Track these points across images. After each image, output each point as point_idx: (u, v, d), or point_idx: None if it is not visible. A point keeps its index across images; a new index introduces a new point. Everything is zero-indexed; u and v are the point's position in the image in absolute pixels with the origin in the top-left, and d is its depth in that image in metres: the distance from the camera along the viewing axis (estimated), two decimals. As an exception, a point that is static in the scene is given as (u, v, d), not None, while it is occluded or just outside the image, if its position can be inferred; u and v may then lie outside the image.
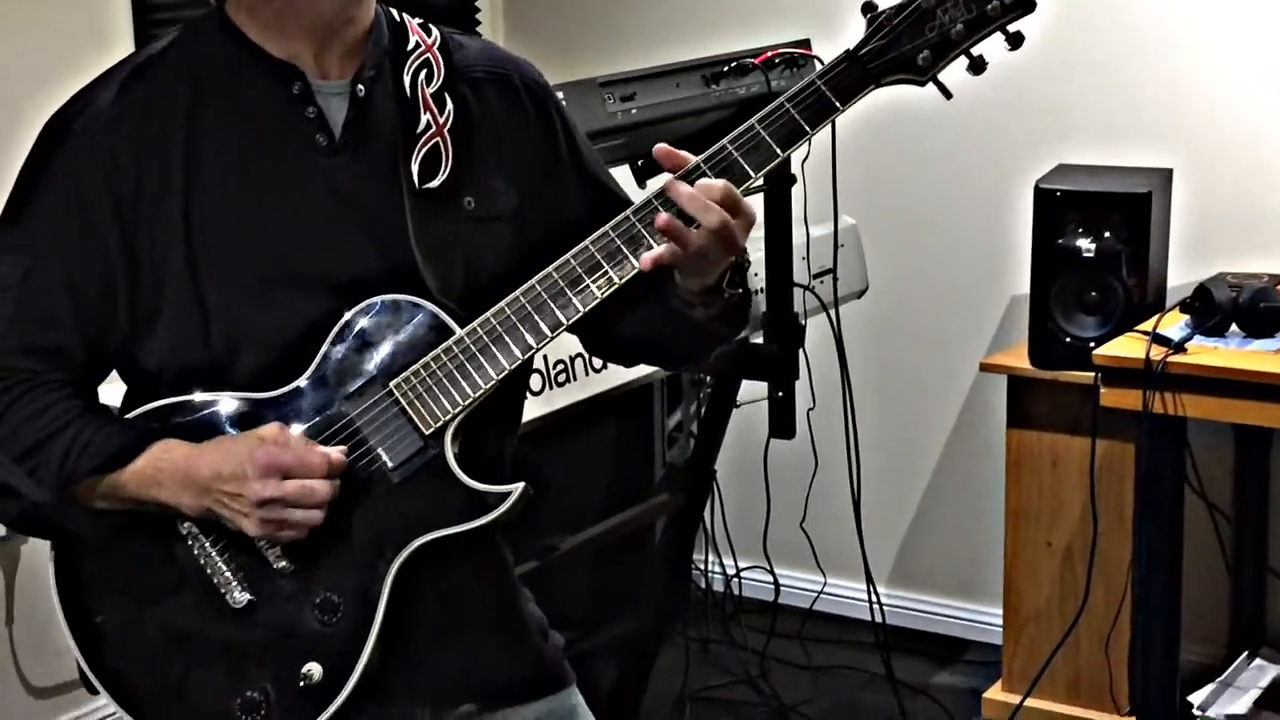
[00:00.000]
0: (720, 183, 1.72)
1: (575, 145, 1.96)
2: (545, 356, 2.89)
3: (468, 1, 4.45)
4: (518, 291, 1.77)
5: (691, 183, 1.73)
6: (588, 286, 1.76)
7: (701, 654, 4.15)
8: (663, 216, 1.72)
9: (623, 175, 3.17)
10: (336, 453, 1.76)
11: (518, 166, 1.89)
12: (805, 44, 3.31)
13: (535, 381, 2.96)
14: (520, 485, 1.79)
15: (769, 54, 3.22)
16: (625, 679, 3.58)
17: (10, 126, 3.32)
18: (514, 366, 1.78)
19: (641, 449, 3.73)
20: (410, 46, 1.87)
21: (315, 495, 1.74)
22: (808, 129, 1.75)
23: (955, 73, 1.79)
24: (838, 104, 1.75)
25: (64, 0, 3.52)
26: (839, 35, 3.67)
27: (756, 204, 3.28)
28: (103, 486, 1.77)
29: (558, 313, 1.77)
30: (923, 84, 1.77)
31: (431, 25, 1.91)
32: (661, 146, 1.76)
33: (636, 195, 3.17)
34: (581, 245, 1.77)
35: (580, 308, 1.76)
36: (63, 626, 1.85)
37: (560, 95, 1.99)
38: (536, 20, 4.54)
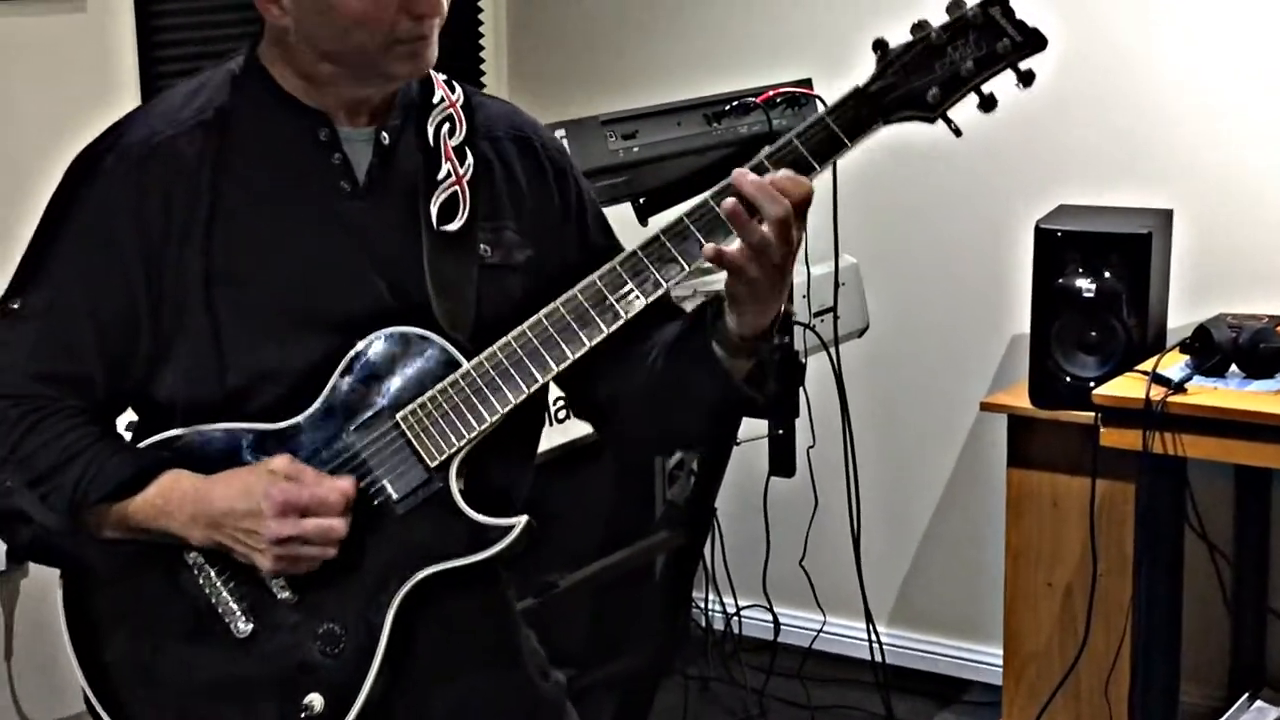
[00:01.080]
0: (789, 173, 1.70)
1: (594, 208, 1.99)
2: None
3: (471, 41, 4.47)
4: (525, 324, 1.79)
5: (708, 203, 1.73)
6: (595, 321, 1.77)
7: (701, 692, 4.14)
8: (729, 201, 1.70)
9: (624, 212, 3.19)
10: (348, 483, 1.78)
11: (534, 222, 1.92)
12: (807, 83, 3.32)
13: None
14: (523, 519, 1.80)
15: (771, 93, 3.23)
16: (624, 716, 3.57)
17: (16, 179, 3.35)
18: (519, 401, 1.79)
19: (641, 486, 3.73)
20: (436, 100, 1.91)
21: (331, 533, 1.75)
22: (815, 165, 1.74)
23: (964, 111, 1.78)
24: (846, 140, 1.74)
25: (71, 55, 3.54)
26: (841, 75, 3.68)
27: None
28: (112, 515, 1.78)
29: (564, 347, 1.78)
30: (932, 121, 1.76)
31: (455, 83, 1.95)
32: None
33: (635, 233, 3.18)
34: (589, 279, 1.77)
35: (586, 343, 1.77)
36: (70, 656, 1.85)
37: (561, 133, 2.01)
38: (539, 58, 4.56)
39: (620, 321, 1.77)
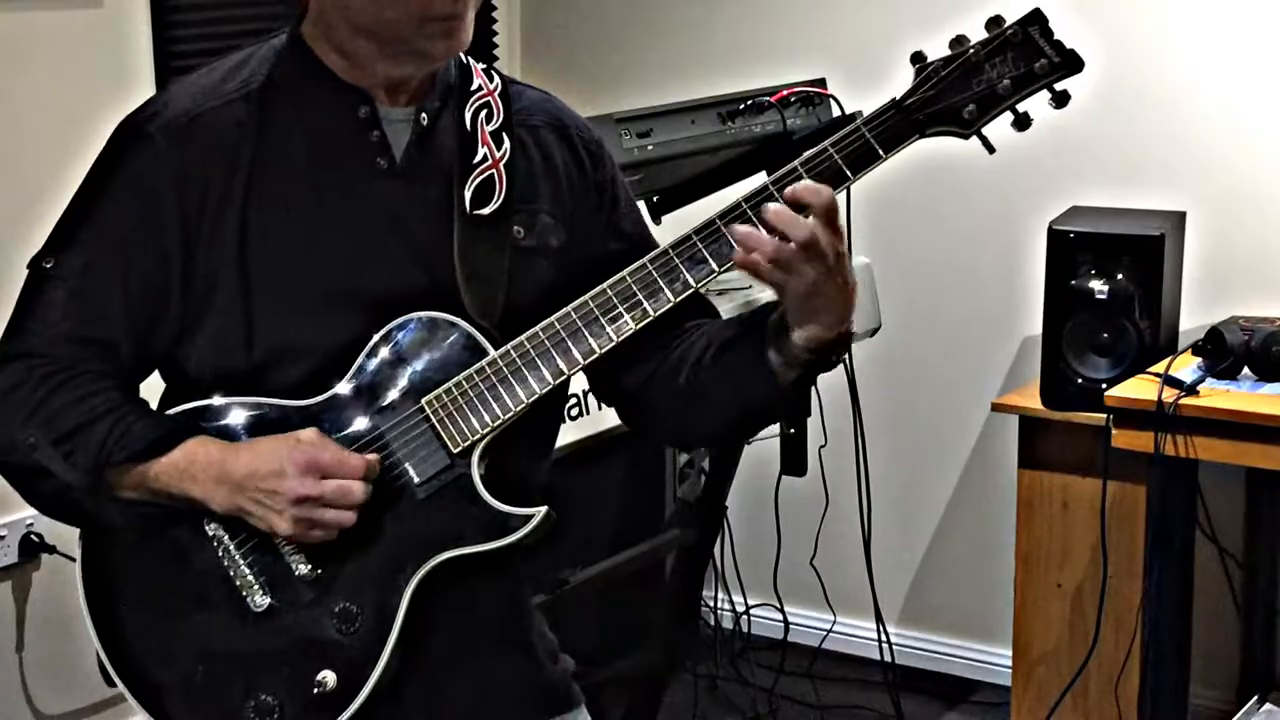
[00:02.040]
0: (819, 187, 1.71)
1: (624, 201, 1.99)
2: (558, 390, 2.89)
3: (485, 40, 4.48)
4: (553, 317, 1.80)
5: (739, 219, 1.74)
6: (623, 316, 1.78)
7: (710, 691, 4.14)
8: (743, 230, 1.72)
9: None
10: (372, 458, 1.79)
11: (568, 209, 1.93)
12: (821, 83, 3.33)
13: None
14: (543, 509, 1.81)
15: (785, 92, 3.24)
16: (633, 715, 3.57)
17: (35, 167, 3.37)
18: (545, 391, 1.80)
19: (653, 484, 3.73)
20: (474, 87, 1.92)
21: (351, 496, 1.76)
22: (850, 174, 1.75)
23: (997, 127, 1.79)
24: (881, 151, 1.75)
25: (87, 50, 3.55)
26: (855, 75, 3.70)
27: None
28: (135, 476, 1.79)
29: (591, 340, 1.79)
30: (966, 137, 1.77)
31: (494, 72, 1.96)
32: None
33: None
34: (619, 275, 1.78)
35: (614, 338, 1.78)
36: (85, 620, 1.86)
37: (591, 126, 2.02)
38: (554, 56, 4.57)
39: (649, 319, 1.78)
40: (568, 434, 3.00)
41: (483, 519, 1.80)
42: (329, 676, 1.80)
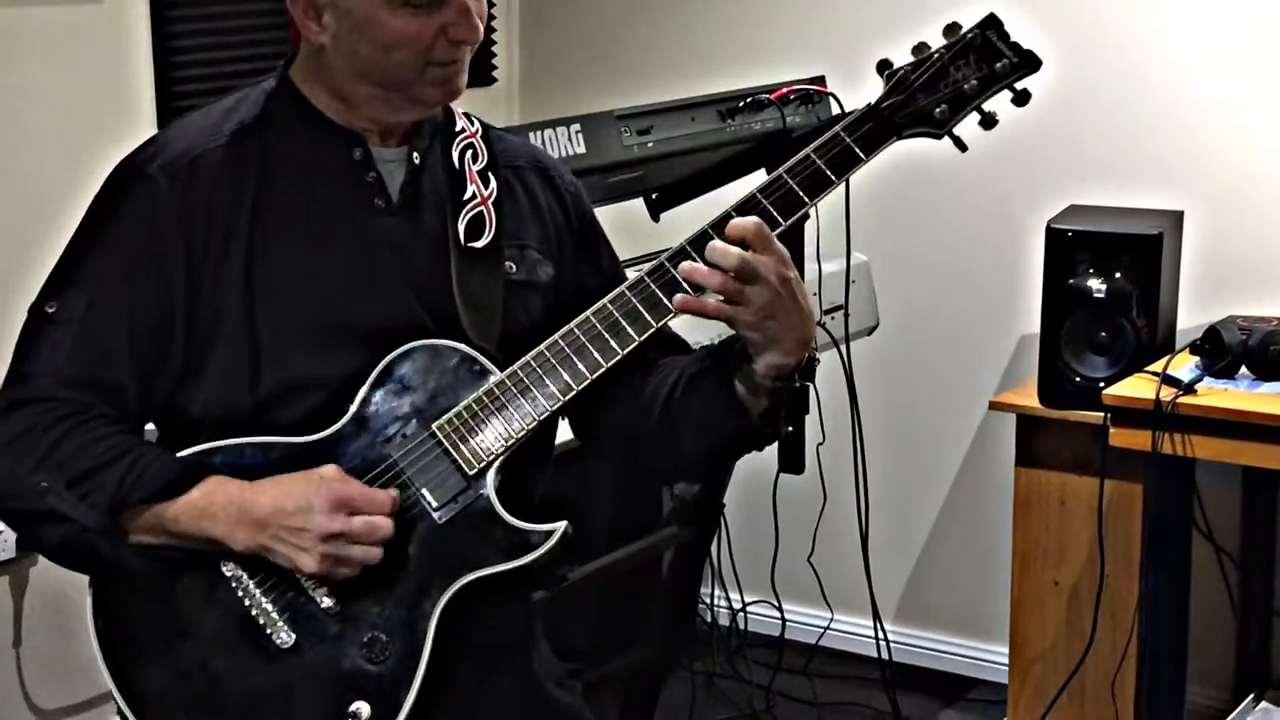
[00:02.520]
0: (750, 221, 1.77)
1: (603, 240, 2.05)
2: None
3: (484, 35, 4.47)
4: (556, 335, 1.82)
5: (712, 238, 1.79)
6: (626, 330, 1.81)
7: (707, 688, 4.14)
8: (679, 298, 1.79)
9: (635, 207, 3.20)
10: (395, 492, 1.79)
11: (554, 246, 1.97)
12: (820, 80, 3.33)
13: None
14: (563, 524, 1.82)
15: (784, 90, 3.24)
16: (630, 711, 3.57)
17: (35, 203, 3.37)
18: (555, 408, 1.82)
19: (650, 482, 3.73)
20: (458, 129, 1.97)
21: (379, 532, 1.77)
22: (834, 178, 1.82)
23: (967, 126, 1.88)
24: (861, 155, 1.82)
25: (88, 81, 3.55)
26: (854, 72, 3.70)
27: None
28: (151, 517, 1.78)
29: (596, 355, 1.81)
30: (940, 137, 1.86)
31: (474, 116, 2.00)
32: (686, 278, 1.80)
33: (648, 227, 3.20)
34: (618, 290, 1.82)
35: (618, 351, 1.81)
36: (101, 668, 1.85)
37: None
38: (553, 53, 4.57)
39: (652, 329, 1.82)
40: (566, 431, 3.00)
41: (504, 539, 1.81)
42: (363, 708, 1.79)
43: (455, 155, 1.93)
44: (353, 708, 1.79)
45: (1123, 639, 3.58)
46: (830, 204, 3.50)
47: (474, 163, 1.94)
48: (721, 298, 1.77)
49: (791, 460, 3.45)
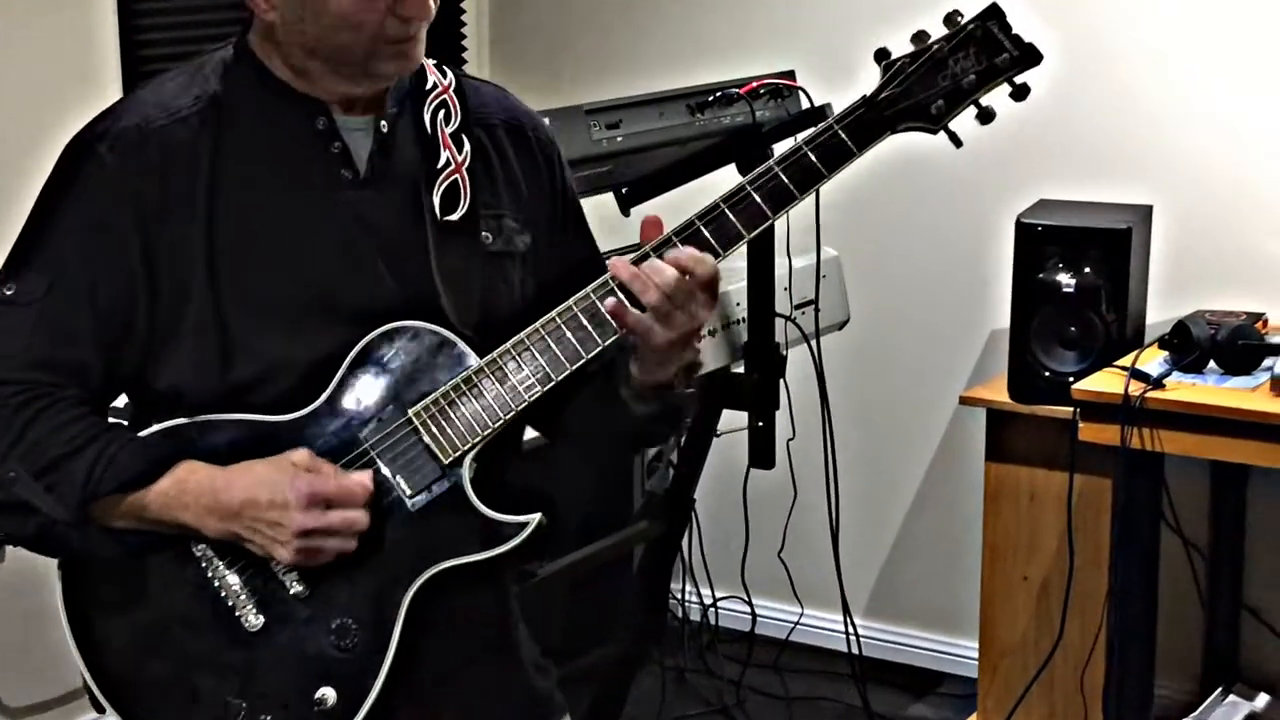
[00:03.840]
0: (667, 268, 1.74)
1: (575, 200, 2.01)
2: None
3: (454, 30, 4.47)
4: (537, 324, 1.79)
5: (693, 240, 1.77)
6: (607, 321, 1.78)
7: (677, 683, 4.15)
8: (610, 301, 1.76)
9: (606, 202, 3.19)
10: (367, 477, 1.78)
11: (530, 210, 1.93)
12: (790, 75, 3.33)
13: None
14: (537, 516, 1.80)
15: (754, 84, 3.24)
16: (600, 706, 3.57)
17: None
18: (534, 398, 1.79)
19: (621, 477, 3.73)
20: (429, 86, 1.90)
21: (355, 525, 1.76)
22: (825, 172, 1.78)
23: (959, 120, 1.83)
24: (854, 148, 1.78)
25: (52, 42, 3.53)
26: (825, 67, 3.70)
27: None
28: (123, 506, 1.77)
29: (577, 345, 1.78)
30: (935, 132, 1.81)
31: (446, 68, 1.94)
32: (649, 218, 1.79)
33: (617, 221, 3.19)
34: (602, 279, 1.79)
35: (599, 342, 1.78)
36: (71, 647, 1.84)
37: (545, 121, 2.02)
38: (522, 47, 4.56)
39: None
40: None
41: (477, 528, 1.79)
42: (329, 694, 1.79)
43: (427, 118, 1.88)
44: (319, 693, 1.79)
45: (1092, 632, 3.59)
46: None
47: (446, 124, 1.89)
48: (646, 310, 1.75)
49: (762, 455, 3.45)
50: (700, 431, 3.51)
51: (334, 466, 1.78)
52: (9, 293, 1.80)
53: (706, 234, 1.78)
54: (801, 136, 1.79)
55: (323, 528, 1.74)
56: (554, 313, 1.79)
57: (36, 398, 1.77)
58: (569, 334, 1.78)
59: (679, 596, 4.26)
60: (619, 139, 3.02)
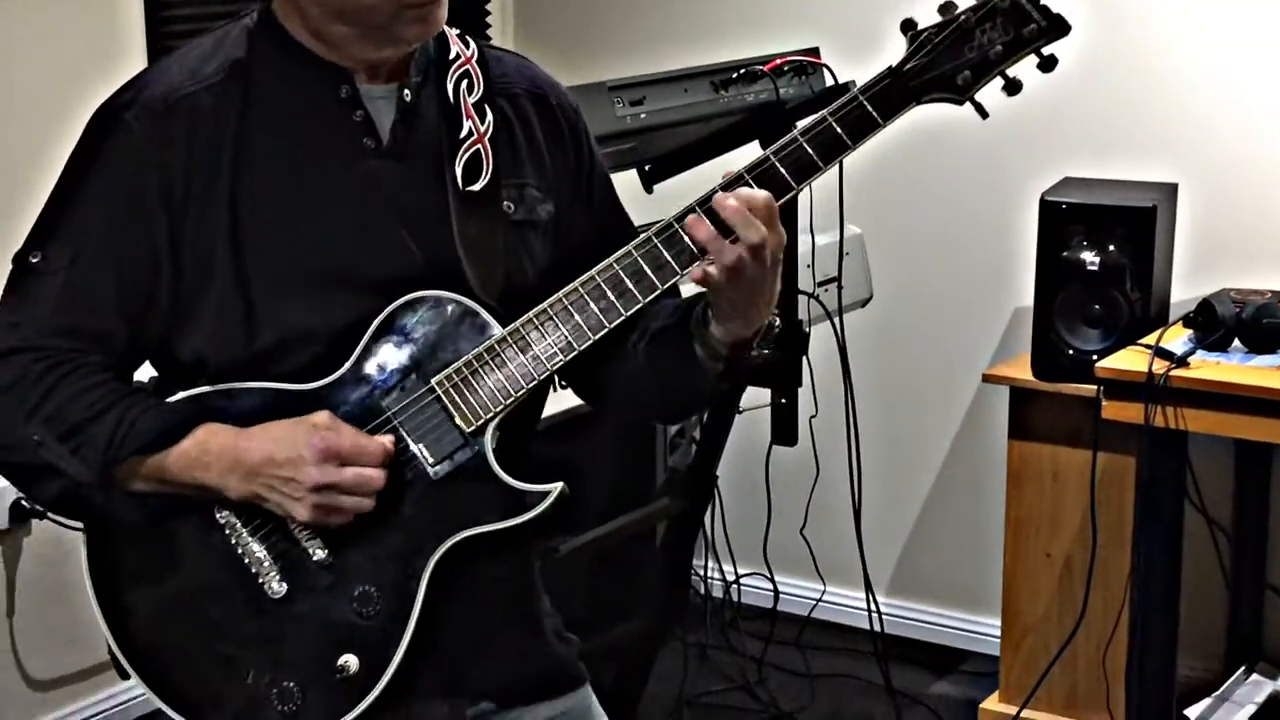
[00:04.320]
0: (761, 194, 1.74)
1: (600, 169, 2.00)
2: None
3: (478, 5, 4.47)
4: (560, 293, 1.79)
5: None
6: (630, 291, 1.78)
7: (699, 659, 4.16)
8: (696, 222, 1.74)
9: (630, 179, 3.19)
10: (388, 441, 1.78)
11: (553, 179, 1.92)
12: (814, 52, 3.32)
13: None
14: (559, 485, 1.81)
15: (778, 61, 3.23)
16: (623, 682, 3.58)
17: (24, 134, 3.36)
18: (556, 366, 1.79)
19: (644, 453, 3.74)
20: (452, 55, 1.90)
21: (370, 483, 1.76)
22: (849, 143, 1.77)
23: (986, 94, 1.81)
24: (879, 119, 1.76)
25: (78, 11, 3.53)
26: (847, 44, 3.69)
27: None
28: (146, 468, 1.78)
29: (600, 315, 1.78)
30: (961, 103, 1.79)
31: (469, 38, 1.94)
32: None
33: (640, 198, 3.19)
34: (624, 250, 1.78)
35: (623, 311, 1.78)
36: (96, 613, 1.85)
37: (568, 90, 2.01)
38: (546, 23, 4.56)
39: (657, 292, 1.78)
40: (560, 403, 3.00)
41: (499, 497, 1.80)
42: (351, 661, 1.79)
43: (450, 88, 1.88)
44: (341, 660, 1.80)
45: (1114, 611, 3.59)
46: (824, 176, 3.49)
47: (470, 94, 1.89)
48: (715, 265, 1.74)
49: (784, 432, 3.45)
50: (723, 408, 3.51)
51: (354, 429, 1.78)
52: (35, 261, 1.81)
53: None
54: (828, 108, 1.77)
55: (336, 483, 1.74)
56: (577, 282, 1.79)
57: (59, 364, 1.79)
58: (592, 303, 1.78)
59: (701, 573, 4.27)
60: (642, 115, 3.02)
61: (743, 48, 3.45)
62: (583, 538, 3.28)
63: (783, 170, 1.77)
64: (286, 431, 1.76)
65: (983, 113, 1.80)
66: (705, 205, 1.75)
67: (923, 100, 1.78)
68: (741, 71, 3.18)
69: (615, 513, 3.45)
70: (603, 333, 1.79)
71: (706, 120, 3.15)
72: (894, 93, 1.76)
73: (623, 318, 1.78)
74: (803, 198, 3.40)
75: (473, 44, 1.94)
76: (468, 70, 1.90)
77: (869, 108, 1.76)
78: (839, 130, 1.76)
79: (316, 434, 1.75)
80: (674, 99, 3.09)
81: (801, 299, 3.35)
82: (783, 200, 1.77)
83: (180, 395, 1.82)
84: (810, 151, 1.77)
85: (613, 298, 1.78)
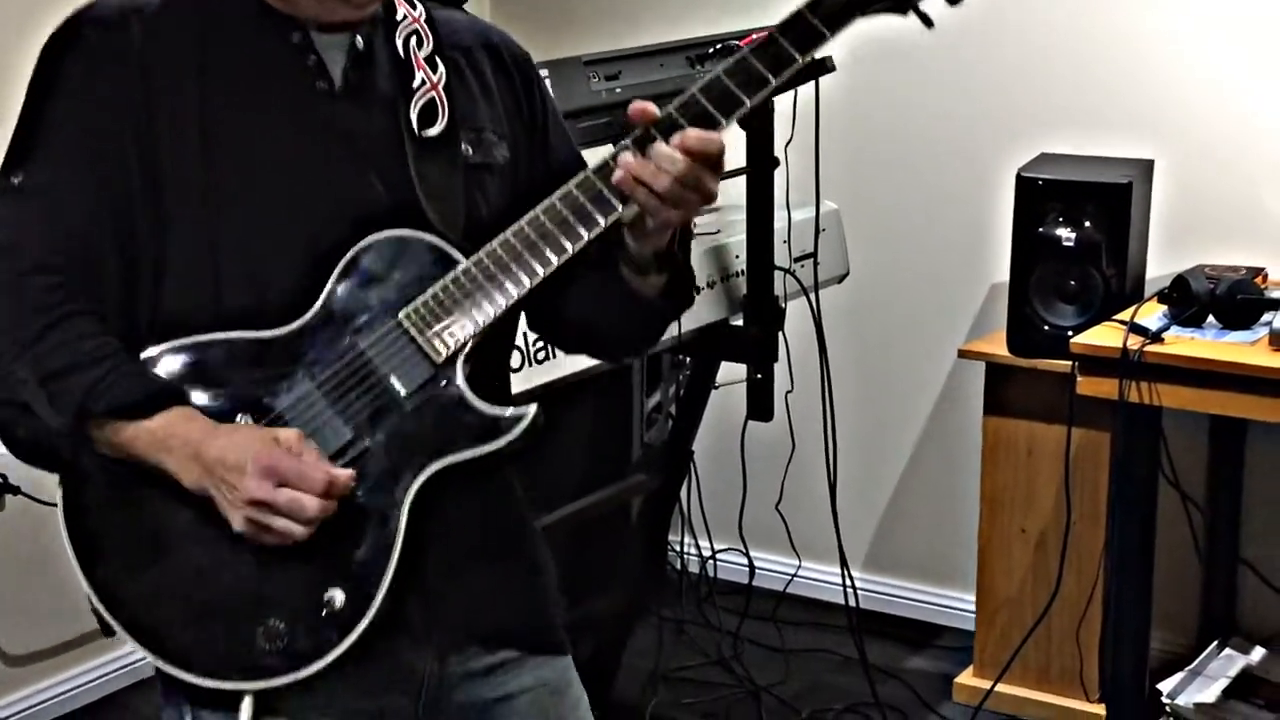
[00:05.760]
0: (678, 156, 1.75)
1: (557, 119, 2.02)
2: (524, 335, 2.89)
3: (454, -22, 4.45)
4: (522, 221, 1.80)
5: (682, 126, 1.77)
6: (591, 214, 1.79)
7: (675, 634, 4.16)
8: (618, 176, 1.76)
9: (604, 153, 3.18)
10: (346, 474, 1.77)
11: (507, 125, 1.94)
12: (790, 27, 3.31)
13: (515, 359, 2.96)
14: (533, 407, 1.81)
15: (753, 36, 3.22)
16: (598, 658, 3.59)
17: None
18: (522, 295, 1.80)
19: (619, 429, 3.73)
20: (399, 16, 1.92)
21: (303, 511, 1.74)
22: (797, 57, 1.77)
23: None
24: (825, 31, 1.77)
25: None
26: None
27: (738, 186, 3.30)
28: (112, 434, 1.78)
29: (562, 240, 1.79)
30: (904, 13, 1.79)
31: (418, 1, 1.95)
32: (636, 105, 1.79)
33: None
34: (583, 174, 1.80)
35: (583, 236, 1.79)
36: (74, 565, 1.85)
37: (545, 73, 2.02)
38: (523, -2, 4.55)
39: (618, 212, 1.79)
40: (535, 377, 3.00)
41: (474, 424, 1.81)
42: (337, 595, 1.80)
43: (399, 43, 1.90)
44: (327, 595, 1.80)
45: (1088, 586, 3.61)
46: (799, 152, 3.51)
47: (419, 49, 1.91)
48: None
49: (760, 408, 3.45)
50: (698, 384, 3.51)
51: (316, 452, 1.78)
52: (16, 181, 1.81)
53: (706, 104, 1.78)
54: (774, 25, 1.78)
55: (270, 502, 1.74)
56: (537, 209, 1.80)
57: (63, 301, 1.79)
58: (553, 229, 1.79)
59: (677, 548, 4.27)
60: (618, 90, 3.02)
61: (718, 23, 3.44)
62: (559, 513, 3.28)
63: (735, 88, 1.78)
64: (246, 439, 1.76)
65: (928, 22, 1.79)
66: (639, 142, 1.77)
67: (866, 12, 1.78)
68: (718, 46, 3.18)
69: (591, 488, 3.45)
70: (564, 257, 1.80)
71: (683, 95, 3.15)
72: (838, 5, 1.77)
73: (584, 240, 1.79)
74: (779, 173, 3.41)
75: (420, 6, 1.96)
76: (416, 29, 1.92)
77: (815, 22, 1.77)
78: (786, 45, 1.77)
79: (266, 449, 1.75)
80: (650, 74, 3.08)
81: (778, 274, 3.35)
82: (736, 115, 1.79)
83: (155, 349, 1.82)
84: (760, 67, 1.78)
85: (574, 223, 1.79)
